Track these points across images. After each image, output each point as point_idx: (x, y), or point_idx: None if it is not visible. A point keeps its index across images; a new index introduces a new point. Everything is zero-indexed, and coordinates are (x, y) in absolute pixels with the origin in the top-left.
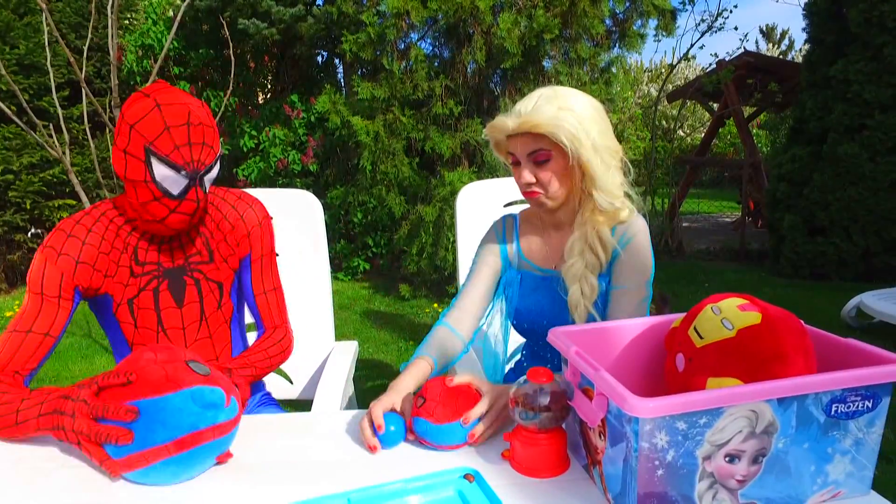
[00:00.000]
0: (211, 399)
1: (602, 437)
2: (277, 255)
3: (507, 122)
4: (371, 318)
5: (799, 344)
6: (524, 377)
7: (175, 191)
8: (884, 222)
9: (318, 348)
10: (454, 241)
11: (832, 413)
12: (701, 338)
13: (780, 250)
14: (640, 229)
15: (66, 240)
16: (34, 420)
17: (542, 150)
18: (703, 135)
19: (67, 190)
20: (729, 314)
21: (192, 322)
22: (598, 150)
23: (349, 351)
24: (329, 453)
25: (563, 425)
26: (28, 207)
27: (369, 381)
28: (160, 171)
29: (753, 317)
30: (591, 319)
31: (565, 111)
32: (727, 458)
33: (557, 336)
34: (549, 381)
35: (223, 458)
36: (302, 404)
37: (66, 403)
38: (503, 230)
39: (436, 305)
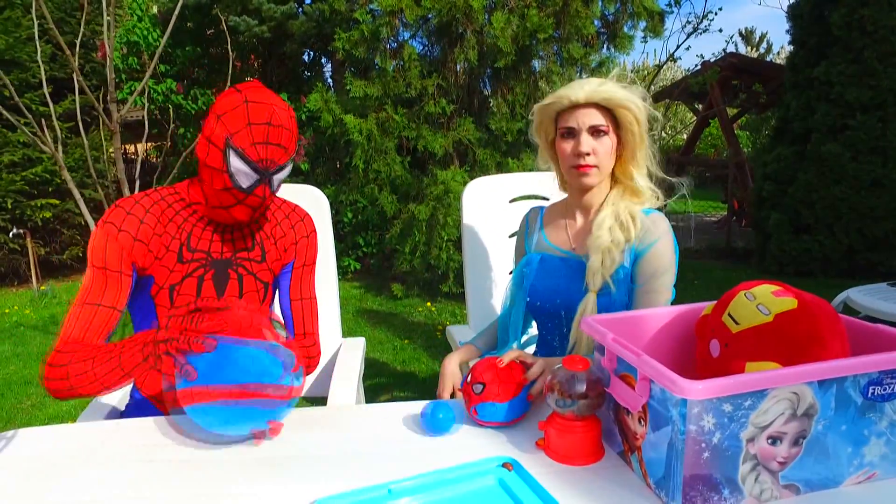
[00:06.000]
0: (285, 360)
1: (642, 423)
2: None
3: (577, 92)
4: (364, 317)
5: (834, 328)
6: (559, 364)
7: (245, 184)
8: (865, 220)
9: (326, 345)
10: (448, 240)
11: (869, 395)
12: (737, 323)
13: (767, 248)
14: (664, 231)
15: (126, 217)
16: (137, 354)
17: (604, 125)
18: (685, 136)
19: (50, 189)
20: (764, 300)
21: None
22: (645, 134)
23: (358, 347)
24: (358, 446)
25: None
26: (9, 207)
27: (366, 379)
28: (235, 163)
29: (790, 302)
30: (605, 289)
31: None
32: (769, 441)
33: (591, 324)
34: (585, 369)
35: (274, 429)
36: (309, 402)
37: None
38: (527, 222)
39: (429, 304)
